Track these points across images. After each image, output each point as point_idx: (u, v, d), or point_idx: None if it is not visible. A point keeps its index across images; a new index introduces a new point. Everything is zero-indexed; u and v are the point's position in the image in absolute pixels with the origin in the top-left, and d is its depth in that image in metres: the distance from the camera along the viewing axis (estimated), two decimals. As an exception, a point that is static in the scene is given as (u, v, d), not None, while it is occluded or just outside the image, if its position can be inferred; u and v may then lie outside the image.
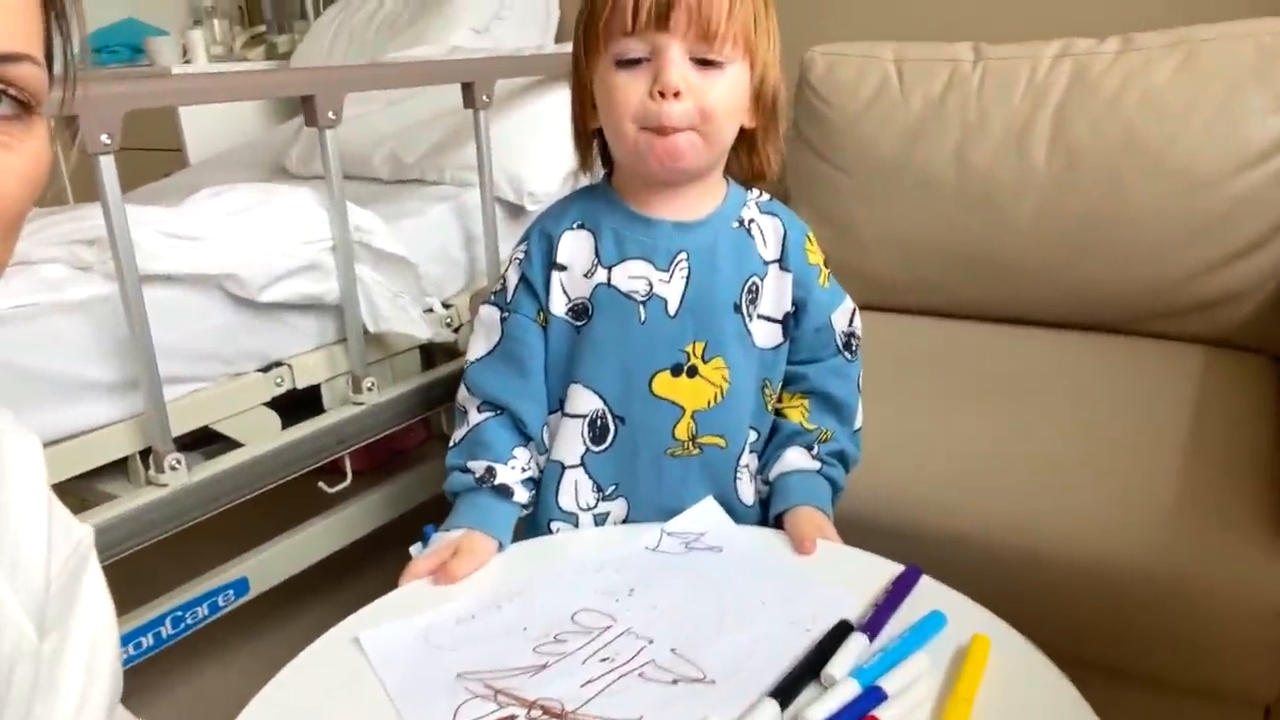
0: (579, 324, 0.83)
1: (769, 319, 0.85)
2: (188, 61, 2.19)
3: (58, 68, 0.49)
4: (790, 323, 0.85)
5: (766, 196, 0.88)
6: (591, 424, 0.83)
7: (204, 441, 1.17)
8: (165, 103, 1.02)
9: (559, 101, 1.51)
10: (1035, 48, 1.39)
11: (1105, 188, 1.30)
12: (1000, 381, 1.21)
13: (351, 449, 1.23)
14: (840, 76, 1.52)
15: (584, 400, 0.82)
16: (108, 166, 0.92)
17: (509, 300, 0.85)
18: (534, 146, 1.47)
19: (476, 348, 0.86)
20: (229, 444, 1.15)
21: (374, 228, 1.20)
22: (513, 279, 0.85)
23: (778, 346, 0.85)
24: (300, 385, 1.21)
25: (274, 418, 1.19)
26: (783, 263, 0.84)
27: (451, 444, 0.85)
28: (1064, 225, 1.32)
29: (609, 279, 0.81)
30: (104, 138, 0.91)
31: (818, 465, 0.84)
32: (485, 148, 1.33)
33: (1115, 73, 1.31)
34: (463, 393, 0.87)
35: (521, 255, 0.85)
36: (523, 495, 0.82)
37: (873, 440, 0.92)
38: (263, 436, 1.16)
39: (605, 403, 0.82)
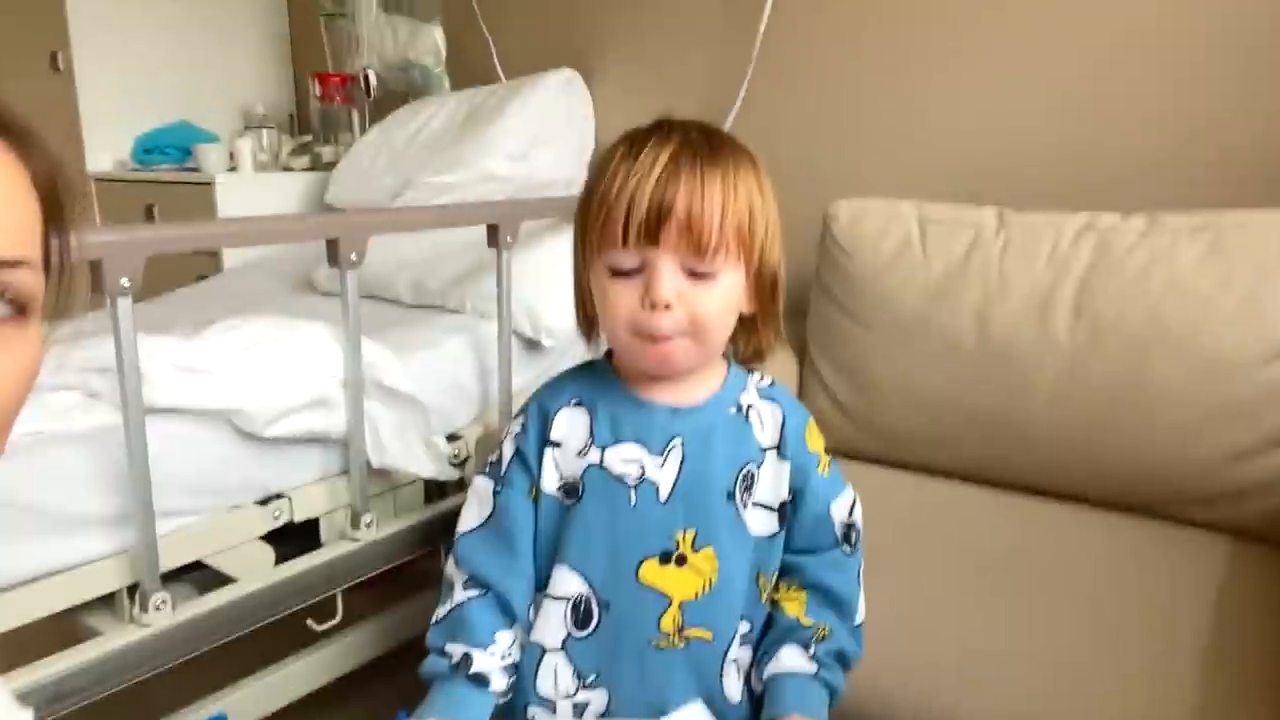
0: (569, 503, 0.81)
1: (765, 507, 0.83)
2: (233, 169, 2.27)
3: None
4: (787, 511, 0.83)
5: (768, 381, 0.87)
6: (575, 608, 0.80)
7: (198, 565, 1.16)
8: (189, 248, 1.04)
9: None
10: (1059, 219, 1.39)
11: (1128, 363, 1.27)
12: (1012, 560, 1.17)
13: (344, 587, 1.21)
14: (864, 230, 1.53)
15: (568, 582, 0.80)
16: (124, 309, 0.93)
17: (502, 473, 0.84)
18: (555, 284, 1.47)
19: (468, 518, 0.85)
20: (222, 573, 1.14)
21: (386, 364, 1.21)
22: (508, 452, 0.84)
23: (773, 535, 0.83)
24: (299, 518, 1.20)
25: (268, 552, 1.17)
26: (781, 450, 0.83)
27: (434, 619, 0.83)
28: (1085, 397, 1.30)
29: (601, 460, 0.80)
30: (124, 281, 0.92)
31: (814, 668, 0.81)
32: (506, 286, 1.34)
33: (1141, 251, 1.30)
34: (450, 564, 0.85)
35: (518, 429, 0.85)
36: (500, 683, 0.79)
37: (872, 625, 0.88)
38: (255, 572, 1.14)
39: (590, 587, 0.80)
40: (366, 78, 2.33)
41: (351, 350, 1.15)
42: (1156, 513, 1.28)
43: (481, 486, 0.85)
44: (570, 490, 0.81)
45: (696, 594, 0.79)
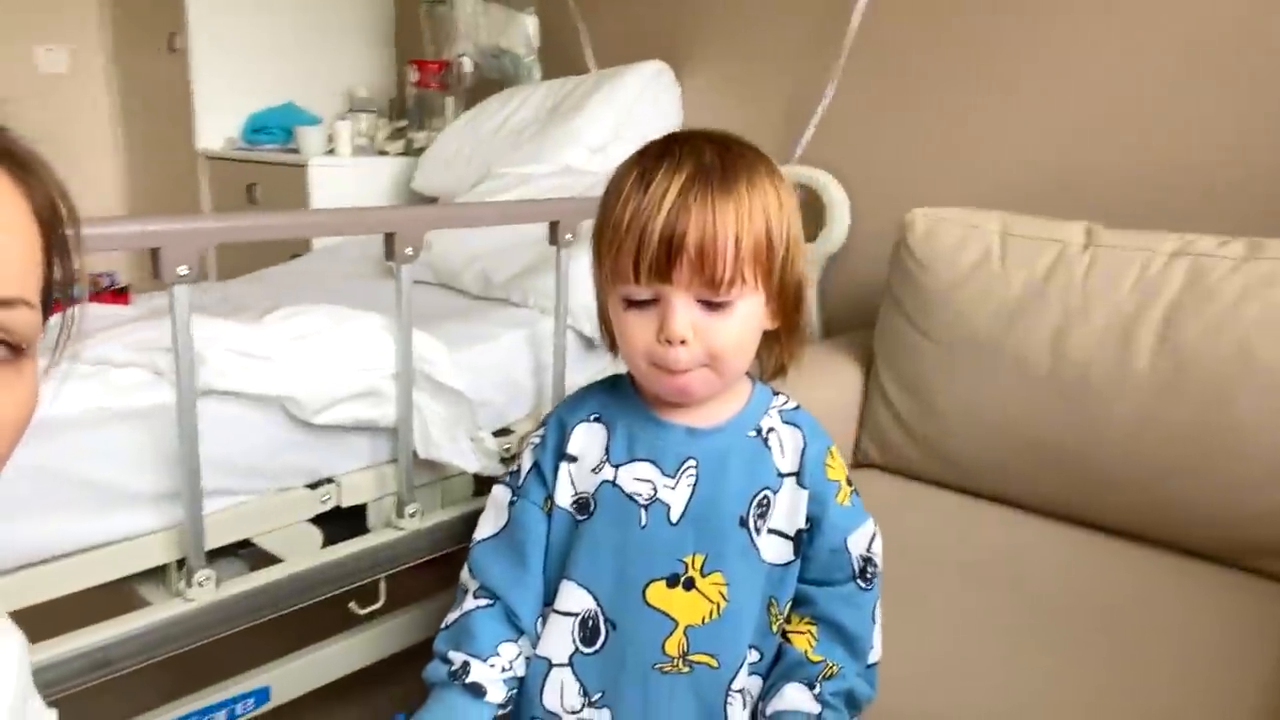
0: (580, 518, 0.81)
1: (780, 534, 0.80)
2: (330, 151, 2.35)
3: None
4: (803, 540, 0.80)
5: (792, 404, 0.84)
6: (583, 624, 0.80)
7: (248, 543, 1.20)
8: (244, 238, 1.08)
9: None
10: (1152, 239, 1.30)
11: (1214, 401, 1.18)
12: (1069, 601, 1.11)
13: (388, 574, 1.24)
14: (940, 242, 1.46)
15: (576, 598, 0.80)
16: (181, 296, 0.97)
17: (520, 484, 0.84)
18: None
19: (484, 527, 0.86)
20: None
21: (436, 359, 1.22)
22: (526, 463, 0.84)
23: (788, 564, 0.81)
24: (346, 504, 1.23)
25: (316, 534, 1.21)
26: (800, 477, 0.80)
27: (444, 624, 0.84)
28: (1164, 435, 1.21)
29: (615, 477, 0.79)
30: (181, 269, 0.96)
31: (818, 709, 0.78)
32: (564, 283, 1.34)
33: (1236, 280, 1.20)
34: (465, 570, 0.86)
35: (537, 440, 0.85)
36: (497, 694, 0.79)
37: (913, 664, 0.85)
38: (303, 552, 1.18)
39: (598, 604, 0.79)
40: (460, 65, 2.37)
41: (403, 343, 1.17)
42: (1234, 563, 1.19)
43: (499, 496, 0.86)
44: (583, 506, 0.81)
45: (704, 620, 0.78)
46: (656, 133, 2.03)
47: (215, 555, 1.14)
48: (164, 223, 0.94)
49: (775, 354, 0.82)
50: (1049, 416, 1.31)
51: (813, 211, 1.92)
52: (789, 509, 0.80)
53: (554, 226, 1.30)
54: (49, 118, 2.08)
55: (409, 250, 1.15)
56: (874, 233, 1.83)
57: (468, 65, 2.36)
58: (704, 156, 0.74)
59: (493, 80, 2.39)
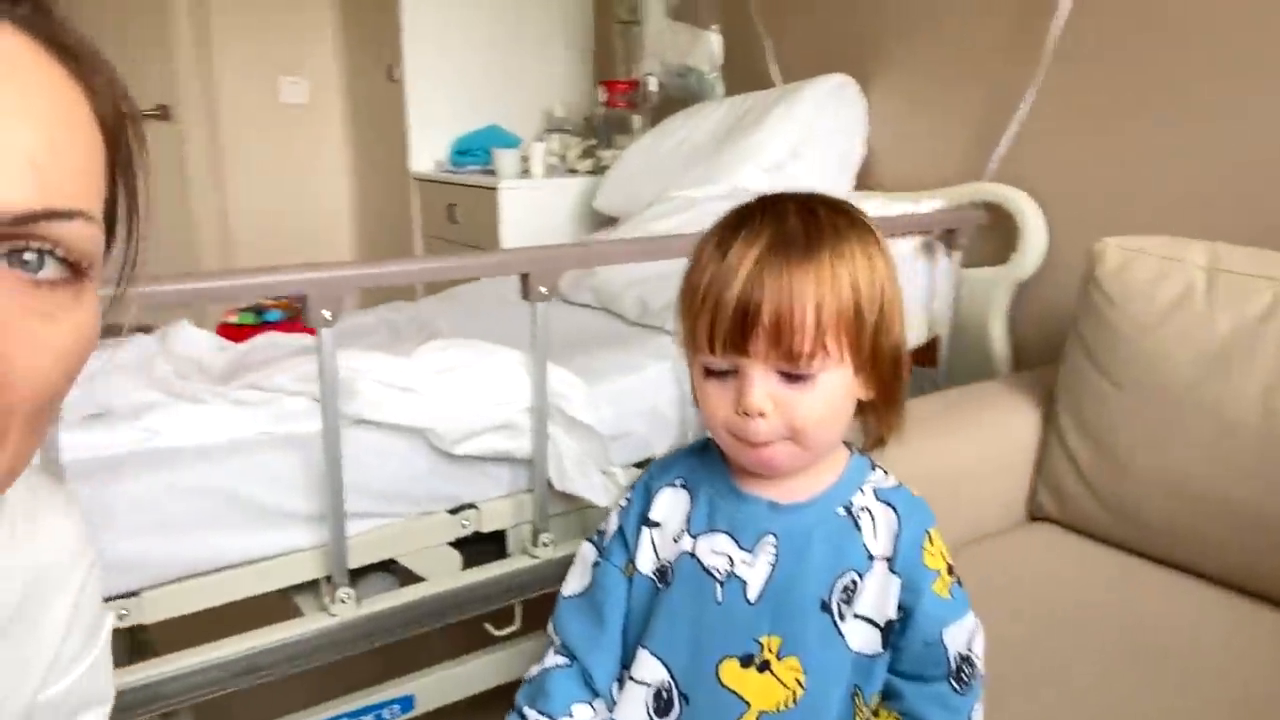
0: (660, 587, 0.79)
1: (868, 621, 0.74)
2: (525, 171, 2.45)
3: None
4: (894, 630, 0.74)
5: (891, 481, 0.78)
6: (657, 695, 0.78)
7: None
8: (382, 284, 1.14)
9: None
10: (1399, 280, 1.09)
11: None
12: (1252, 691, 0.95)
13: (522, 599, 1.28)
14: (1135, 276, 1.30)
15: (651, 669, 0.78)
16: (327, 338, 1.05)
17: (604, 545, 0.84)
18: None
19: (570, 583, 0.86)
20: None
21: (571, 394, 1.24)
22: (612, 525, 0.84)
23: (876, 655, 0.75)
24: (486, 529, 1.28)
25: (455, 557, 1.27)
26: (892, 561, 0.74)
27: (526, 676, 0.85)
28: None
29: (694, 548, 0.77)
30: (325, 313, 1.04)
31: None
32: (708, 318, 1.32)
33: None
34: (550, 624, 0.87)
35: (624, 503, 0.84)
36: (569, 755, 0.79)
37: None
38: (443, 573, 1.25)
39: (672, 676, 0.77)
40: (647, 83, 2.40)
41: (538, 379, 1.20)
42: None
43: (586, 553, 0.86)
44: (662, 574, 0.79)
45: (779, 706, 0.74)
46: (838, 147, 2.00)
47: (368, 570, 1.23)
48: (308, 272, 1.02)
49: (871, 425, 0.77)
50: (1253, 480, 1.13)
51: (1004, 233, 1.78)
52: (878, 595, 0.74)
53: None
54: (293, 145, 2.34)
55: (543, 289, 1.18)
56: (1072, 258, 1.66)
57: (653, 84, 2.38)
58: (786, 222, 0.70)
59: (678, 99, 2.40)
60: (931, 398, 1.52)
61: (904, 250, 1.67)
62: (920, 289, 1.75)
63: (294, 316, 1.66)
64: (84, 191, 0.37)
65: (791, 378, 0.68)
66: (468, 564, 1.28)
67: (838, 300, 0.67)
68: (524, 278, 1.17)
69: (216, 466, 1.09)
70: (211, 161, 2.94)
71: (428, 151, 2.70)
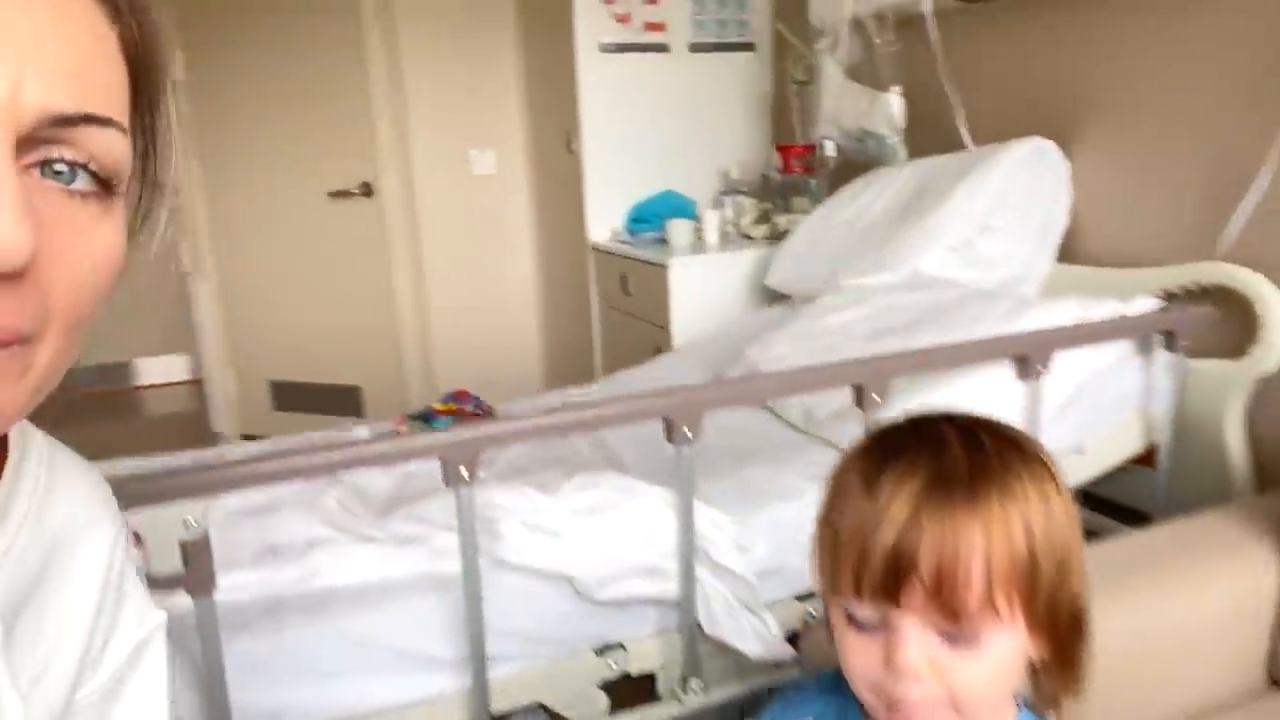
0: None
1: None
2: (698, 243, 2.40)
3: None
4: None
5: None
6: None
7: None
8: (521, 439, 1.13)
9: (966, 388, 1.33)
10: None
11: None
12: None
13: (668, 748, 1.22)
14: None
15: None
16: (465, 495, 1.04)
17: None
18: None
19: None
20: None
21: (717, 538, 1.18)
22: None
23: None
24: (634, 671, 1.23)
25: (601, 699, 1.23)
26: None
27: None
28: None
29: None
30: (464, 471, 1.03)
31: None
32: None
33: None
34: None
35: None
36: None
37: None
38: (590, 715, 1.21)
39: None
40: (823, 147, 2.29)
41: (684, 523, 1.15)
42: None
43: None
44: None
45: None
46: (1035, 219, 1.81)
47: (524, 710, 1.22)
48: (441, 437, 1.02)
49: (1044, 685, 0.64)
50: None
51: (1241, 321, 1.52)
52: None
53: (859, 391, 1.18)
54: (482, 214, 2.42)
55: (687, 431, 1.11)
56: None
57: (830, 148, 2.27)
58: (947, 454, 0.59)
59: (858, 163, 2.27)
60: (1152, 532, 1.31)
61: (1111, 355, 1.47)
62: (1134, 388, 1.53)
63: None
64: (118, 106, 0.38)
65: (953, 638, 0.58)
66: (616, 706, 1.24)
67: (1010, 551, 0.57)
68: (667, 421, 1.12)
69: (373, 614, 1.12)
70: (407, 232, 3.09)
71: (605, 219, 2.71)
